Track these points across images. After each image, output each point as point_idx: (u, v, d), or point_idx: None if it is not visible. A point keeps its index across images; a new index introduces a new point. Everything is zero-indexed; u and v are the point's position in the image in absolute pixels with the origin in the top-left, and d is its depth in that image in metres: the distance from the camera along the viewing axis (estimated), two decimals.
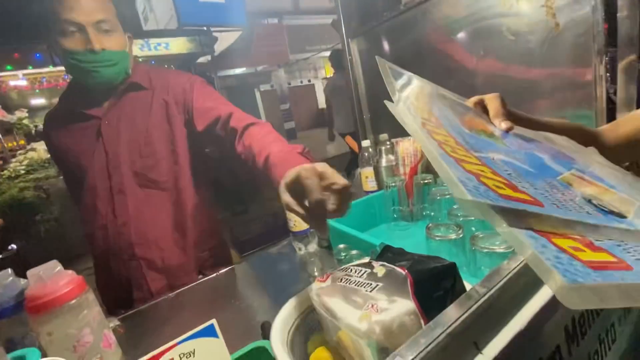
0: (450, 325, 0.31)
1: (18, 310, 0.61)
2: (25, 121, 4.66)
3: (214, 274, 0.98)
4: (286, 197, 0.53)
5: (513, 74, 0.95)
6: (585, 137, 0.56)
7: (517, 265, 0.37)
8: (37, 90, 4.79)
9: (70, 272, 0.62)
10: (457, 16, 1.00)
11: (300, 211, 0.52)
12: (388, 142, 1.18)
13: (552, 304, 0.35)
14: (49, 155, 4.31)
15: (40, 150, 4.41)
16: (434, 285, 0.36)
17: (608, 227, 0.28)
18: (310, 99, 14.98)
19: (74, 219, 3.37)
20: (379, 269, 0.43)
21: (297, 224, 1.00)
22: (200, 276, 0.99)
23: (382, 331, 0.33)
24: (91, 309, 0.63)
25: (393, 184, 0.99)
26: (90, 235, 0.94)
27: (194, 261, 0.99)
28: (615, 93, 0.73)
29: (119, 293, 0.93)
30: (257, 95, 12.00)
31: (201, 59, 4.67)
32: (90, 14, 0.80)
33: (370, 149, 1.20)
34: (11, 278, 0.62)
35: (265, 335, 0.63)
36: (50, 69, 3.90)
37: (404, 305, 0.35)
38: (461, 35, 1.01)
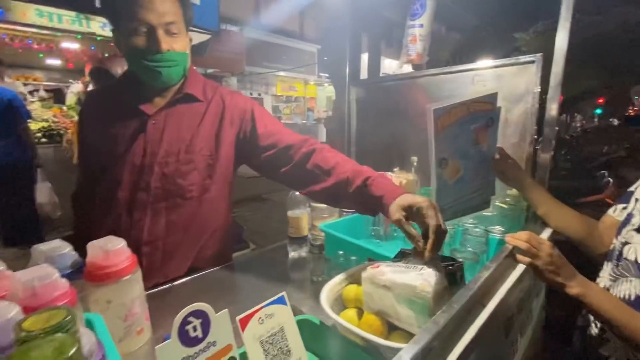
0: (468, 295, 0.54)
1: (73, 278, 0.65)
2: None
3: (209, 270, 1.04)
4: (399, 216, 0.68)
5: None
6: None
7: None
8: None
9: (126, 248, 0.68)
10: (441, 93, 1.34)
11: (411, 231, 0.67)
12: None
13: (513, 288, 0.62)
14: None
15: None
16: (454, 273, 0.59)
17: None
18: None
19: None
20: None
21: (296, 230, 1.16)
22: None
23: (433, 295, 0.54)
24: (140, 284, 0.70)
25: None
26: (98, 219, 0.93)
27: (193, 263, 1.00)
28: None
29: None
30: None
31: None
32: (161, 15, 0.82)
33: None
34: (68, 248, 0.66)
35: None
36: None
37: (442, 282, 0.57)
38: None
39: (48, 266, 0.56)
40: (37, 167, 3.00)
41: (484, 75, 1.17)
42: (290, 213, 1.15)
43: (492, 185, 1.04)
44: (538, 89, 1.00)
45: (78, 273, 0.67)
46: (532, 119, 1.04)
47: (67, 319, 0.28)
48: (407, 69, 1.55)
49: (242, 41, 10.21)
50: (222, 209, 1.03)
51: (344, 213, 1.40)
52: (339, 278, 0.76)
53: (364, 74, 1.73)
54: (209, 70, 11.19)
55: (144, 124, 0.90)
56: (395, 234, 1.26)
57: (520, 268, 0.70)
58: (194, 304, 0.47)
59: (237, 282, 1.01)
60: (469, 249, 0.86)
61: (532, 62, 1.03)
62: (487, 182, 1.02)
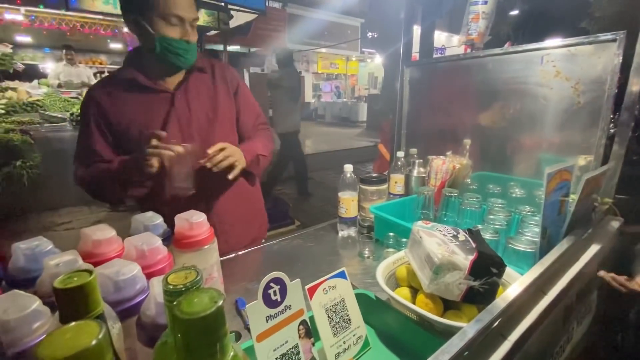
0: (528, 282, 0.55)
1: (163, 245, 0.76)
2: (8, 57, 4.33)
3: (267, 243, 1.15)
4: None
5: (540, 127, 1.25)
6: None
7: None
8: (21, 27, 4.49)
9: (206, 221, 0.78)
10: (503, 75, 1.27)
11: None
12: (415, 156, 1.42)
13: (574, 280, 0.62)
14: (31, 98, 4.07)
15: (21, 91, 4.14)
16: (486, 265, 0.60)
17: None
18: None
19: (53, 170, 3.27)
20: (462, 235, 0.67)
21: (347, 211, 1.21)
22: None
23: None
24: (216, 252, 0.80)
25: (425, 192, 1.23)
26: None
27: (249, 230, 1.16)
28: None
29: None
30: (246, 76, 11.84)
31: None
32: (190, 12, 0.98)
33: (402, 159, 1.43)
34: (160, 219, 0.77)
35: None
36: (63, 12, 3.63)
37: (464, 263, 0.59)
38: (501, 88, 1.29)
39: (152, 234, 0.66)
40: None
41: (554, 54, 1.08)
42: (341, 194, 1.20)
43: None
44: (618, 72, 0.91)
45: (166, 241, 0.79)
46: (609, 103, 0.95)
47: (198, 277, 0.35)
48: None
49: (284, 18, 10.13)
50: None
51: (391, 196, 1.42)
52: (393, 258, 0.80)
53: (415, 48, 1.67)
54: (252, 49, 11.36)
55: (170, 100, 1.04)
56: (445, 218, 1.26)
57: (582, 261, 0.68)
58: (274, 272, 0.55)
59: (293, 256, 1.10)
60: (527, 236, 0.85)
61: (614, 40, 0.93)
62: None
